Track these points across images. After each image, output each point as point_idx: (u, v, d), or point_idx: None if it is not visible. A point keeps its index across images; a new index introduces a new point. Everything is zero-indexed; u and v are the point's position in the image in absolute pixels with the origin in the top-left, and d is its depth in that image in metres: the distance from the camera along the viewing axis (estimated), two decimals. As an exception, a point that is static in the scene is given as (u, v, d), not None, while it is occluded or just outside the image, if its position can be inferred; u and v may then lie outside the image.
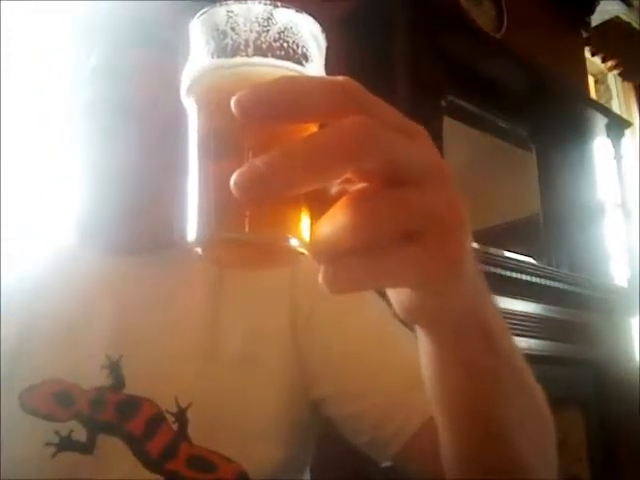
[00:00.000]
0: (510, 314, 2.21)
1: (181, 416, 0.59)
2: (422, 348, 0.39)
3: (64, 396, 0.60)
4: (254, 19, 0.33)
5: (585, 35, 3.32)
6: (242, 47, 0.32)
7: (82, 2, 0.64)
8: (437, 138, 2.28)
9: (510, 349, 0.41)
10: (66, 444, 0.58)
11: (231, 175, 0.28)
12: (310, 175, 0.28)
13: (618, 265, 2.91)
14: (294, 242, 0.30)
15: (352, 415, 0.62)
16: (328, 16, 2.16)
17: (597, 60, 3.60)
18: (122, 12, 0.63)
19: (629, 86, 3.73)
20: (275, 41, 0.32)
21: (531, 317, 2.30)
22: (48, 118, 0.66)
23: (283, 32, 0.33)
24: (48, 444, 0.58)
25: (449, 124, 2.36)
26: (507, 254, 2.36)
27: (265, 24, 0.33)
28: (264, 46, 0.32)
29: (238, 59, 0.32)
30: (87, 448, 0.58)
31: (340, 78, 0.29)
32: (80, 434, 0.59)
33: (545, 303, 2.37)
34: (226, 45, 0.32)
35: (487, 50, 2.42)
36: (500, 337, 0.39)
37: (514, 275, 2.21)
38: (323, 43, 0.35)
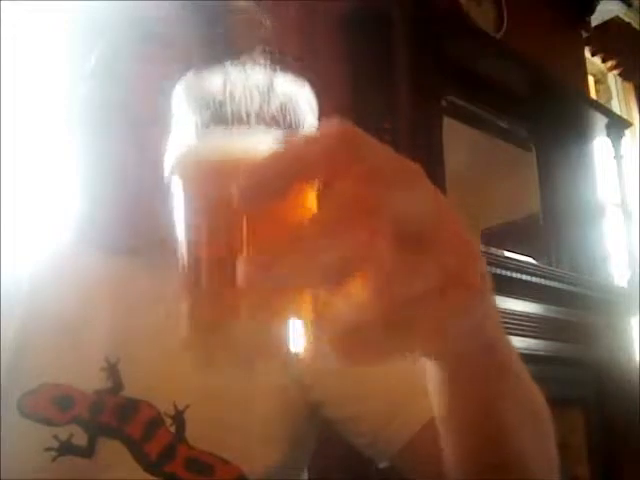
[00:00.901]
0: (510, 314, 2.21)
1: (178, 418, 0.59)
2: (428, 371, 0.40)
3: (63, 399, 0.59)
4: (254, 87, 0.30)
5: (585, 35, 3.32)
6: (244, 118, 0.30)
7: (83, 1, 0.64)
8: (437, 138, 2.28)
9: (514, 360, 0.42)
10: (66, 448, 0.58)
11: (227, 268, 0.27)
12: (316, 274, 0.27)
13: (618, 265, 2.91)
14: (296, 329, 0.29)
15: (351, 418, 0.62)
16: (328, 16, 2.16)
17: (597, 60, 3.60)
18: (122, 11, 0.62)
19: (629, 86, 3.73)
20: (277, 112, 0.30)
21: (531, 317, 2.30)
22: (47, 118, 0.66)
23: (284, 102, 0.31)
24: (48, 449, 0.58)
25: (449, 124, 2.36)
26: (507, 254, 2.36)
27: (266, 93, 0.30)
28: (267, 117, 0.30)
29: (241, 131, 0.30)
30: (87, 452, 0.58)
31: (334, 129, 0.28)
32: (80, 438, 0.58)
33: (545, 303, 2.37)
34: (224, 115, 0.30)
35: (487, 50, 2.42)
36: (504, 350, 0.40)
37: (514, 275, 2.21)
38: (317, 110, 0.34)
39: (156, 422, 0.59)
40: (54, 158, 0.69)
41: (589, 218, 2.90)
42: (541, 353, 2.27)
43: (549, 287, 2.35)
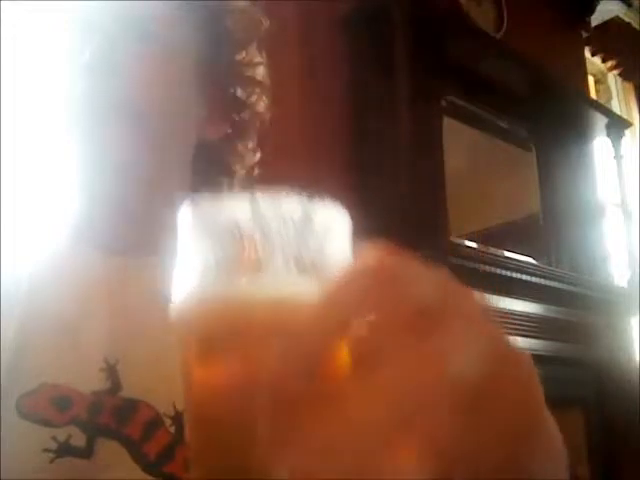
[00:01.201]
0: (510, 314, 2.21)
1: (178, 419, 0.59)
2: None
3: (61, 400, 0.59)
4: (289, 220, 0.24)
5: (585, 35, 3.32)
6: (280, 262, 0.24)
7: (81, 0, 0.63)
8: (437, 138, 2.28)
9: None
10: (64, 450, 0.58)
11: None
12: None
13: (618, 265, 2.91)
14: None
15: None
16: (329, 16, 2.16)
17: (597, 60, 3.60)
18: (119, 7, 0.62)
19: (629, 86, 3.73)
20: (317, 251, 0.25)
21: (531, 317, 2.30)
22: (46, 116, 0.66)
23: (324, 237, 0.25)
24: (46, 450, 0.58)
25: (449, 124, 2.36)
26: (507, 254, 2.36)
27: (302, 227, 0.25)
28: (306, 261, 0.24)
29: (270, 275, 0.24)
30: (86, 453, 0.58)
31: (374, 262, 0.24)
32: (79, 439, 0.58)
33: (545, 303, 2.37)
34: (253, 257, 0.24)
35: (487, 50, 2.42)
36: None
37: (514, 275, 2.21)
38: (352, 235, 0.28)
39: (155, 423, 0.59)
40: (53, 157, 0.69)
41: (589, 218, 2.90)
42: (541, 353, 2.27)
43: (549, 287, 2.35)
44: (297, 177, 1.94)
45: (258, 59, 0.72)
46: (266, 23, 0.72)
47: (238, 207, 0.24)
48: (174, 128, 0.65)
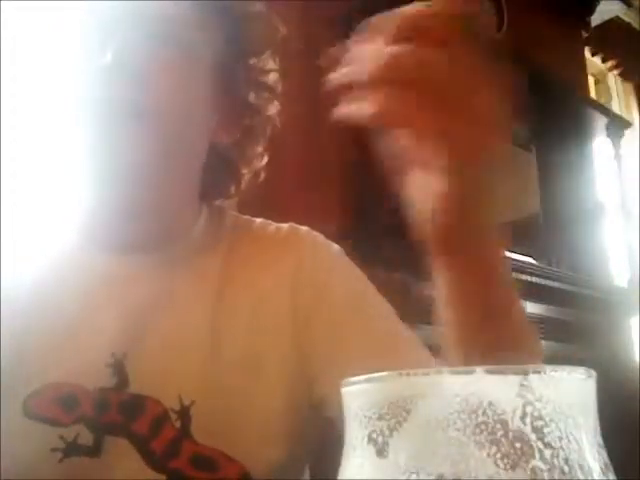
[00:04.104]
0: (510, 314, 2.20)
1: (184, 414, 0.59)
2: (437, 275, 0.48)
3: (68, 399, 0.59)
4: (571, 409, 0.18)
5: (585, 35, 3.32)
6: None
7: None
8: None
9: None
10: (73, 449, 0.58)
11: None
12: None
13: (618, 265, 2.91)
14: None
15: None
16: (328, 15, 2.16)
17: (597, 60, 3.60)
18: (142, 9, 0.62)
19: (629, 86, 3.73)
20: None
21: (531, 317, 2.30)
22: (54, 115, 0.66)
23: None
24: (54, 450, 0.58)
25: (449, 124, 2.36)
26: (507, 254, 2.37)
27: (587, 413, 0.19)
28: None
29: None
30: (94, 451, 0.58)
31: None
32: (86, 437, 0.58)
33: (545, 303, 2.37)
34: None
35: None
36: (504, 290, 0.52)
37: (514, 275, 2.21)
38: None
39: (162, 418, 0.59)
40: (64, 156, 0.69)
41: (589, 218, 2.90)
42: (541, 353, 2.27)
43: (549, 287, 2.35)
44: (297, 176, 1.94)
45: (272, 65, 0.72)
46: (283, 30, 0.72)
47: (499, 389, 0.17)
48: (188, 130, 0.65)
